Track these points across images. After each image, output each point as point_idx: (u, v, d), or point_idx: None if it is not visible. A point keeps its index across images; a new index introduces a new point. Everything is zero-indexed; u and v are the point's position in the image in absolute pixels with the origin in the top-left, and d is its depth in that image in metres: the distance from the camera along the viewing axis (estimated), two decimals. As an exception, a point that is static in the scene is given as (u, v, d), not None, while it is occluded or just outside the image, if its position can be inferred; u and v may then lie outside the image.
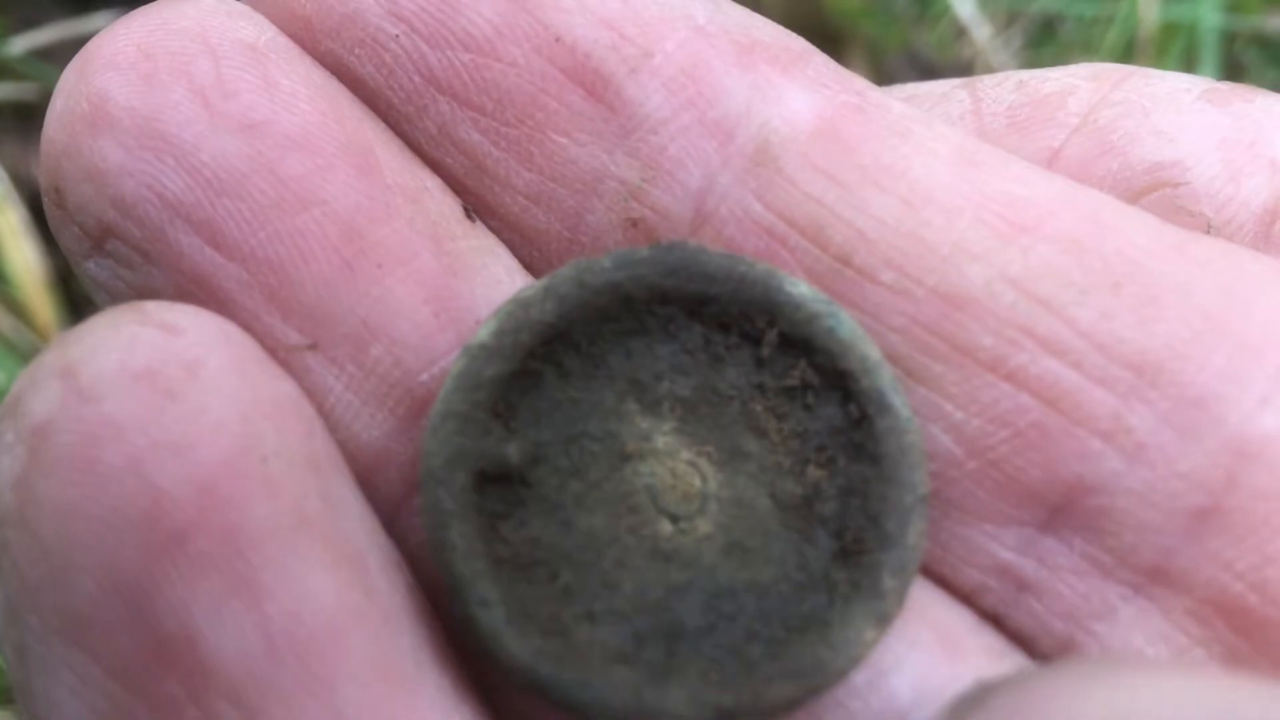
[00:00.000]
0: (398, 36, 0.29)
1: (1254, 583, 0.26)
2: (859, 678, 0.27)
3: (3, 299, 0.74)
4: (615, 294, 0.28)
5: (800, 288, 0.28)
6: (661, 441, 0.28)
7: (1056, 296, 0.27)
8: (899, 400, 0.27)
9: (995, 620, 0.28)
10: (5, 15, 0.82)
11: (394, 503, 0.28)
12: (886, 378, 0.27)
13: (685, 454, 0.28)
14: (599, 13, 0.28)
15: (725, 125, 0.28)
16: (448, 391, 0.27)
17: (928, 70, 0.89)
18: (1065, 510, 0.27)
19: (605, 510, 0.27)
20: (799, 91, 0.29)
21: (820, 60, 0.30)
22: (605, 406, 0.28)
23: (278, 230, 0.27)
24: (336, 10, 0.29)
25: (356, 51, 0.29)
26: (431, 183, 0.29)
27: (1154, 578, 0.27)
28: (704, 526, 0.28)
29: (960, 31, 0.90)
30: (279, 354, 0.27)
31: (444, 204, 0.29)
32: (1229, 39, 0.89)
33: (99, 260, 0.28)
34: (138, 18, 0.28)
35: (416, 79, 0.29)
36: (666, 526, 0.27)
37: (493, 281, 0.29)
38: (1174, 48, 0.86)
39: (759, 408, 0.28)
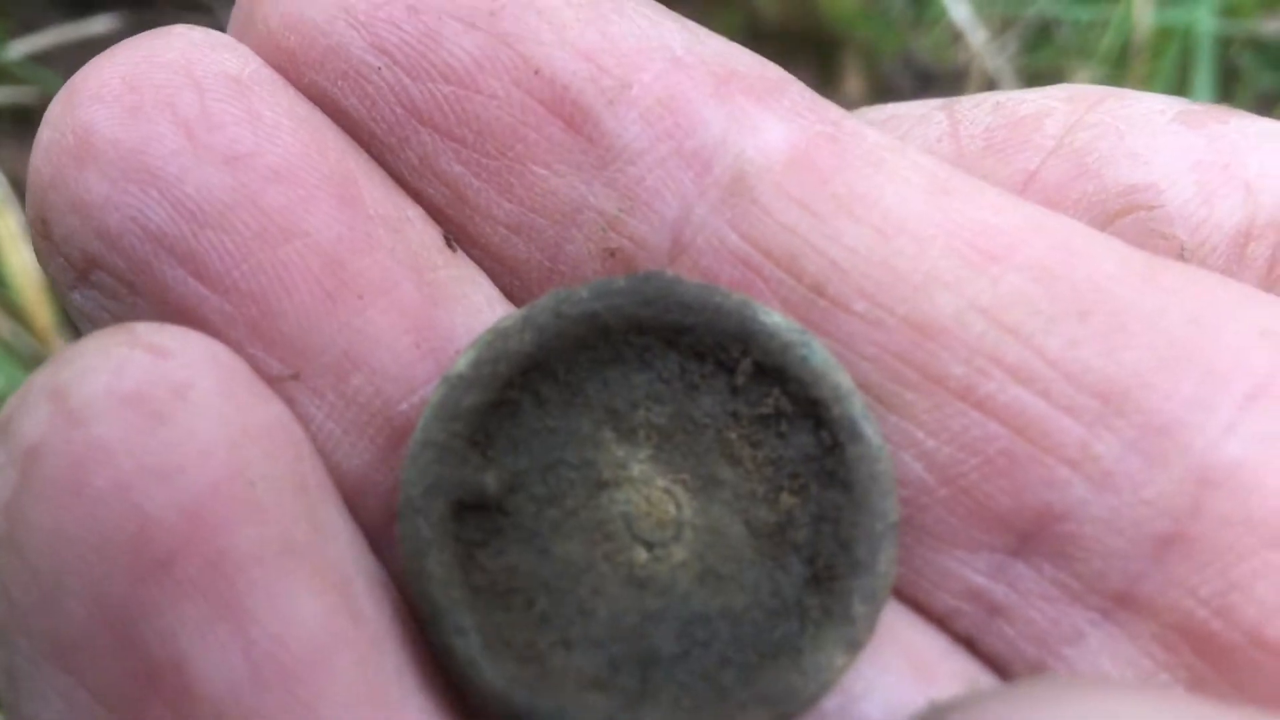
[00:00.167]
0: (380, 69, 0.29)
1: (1218, 608, 0.26)
2: (830, 703, 0.27)
3: (2, 303, 0.75)
4: (593, 324, 0.28)
5: (774, 317, 0.28)
6: (637, 469, 0.28)
7: (1025, 325, 0.27)
8: (870, 428, 0.28)
9: (968, 644, 0.29)
10: (4, 19, 0.83)
11: (374, 531, 0.28)
12: (858, 406, 0.28)
13: (661, 481, 0.28)
14: (577, 45, 0.29)
15: (702, 156, 0.29)
16: (426, 421, 0.27)
17: (924, 75, 0.89)
18: (1035, 536, 0.28)
19: (581, 538, 0.28)
20: (775, 122, 0.29)
21: (797, 90, 0.30)
22: (582, 435, 0.28)
23: (260, 262, 0.27)
24: (320, 43, 0.29)
25: (340, 83, 0.29)
26: (413, 212, 0.29)
27: (1121, 603, 0.27)
28: (679, 553, 0.28)
29: (956, 36, 0.90)
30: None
31: (425, 234, 0.29)
32: (1224, 43, 0.89)
33: (84, 291, 0.28)
34: (123, 50, 0.28)
35: (399, 110, 0.29)
36: (642, 554, 0.28)
37: (473, 310, 0.29)
38: (1169, 52, 0.86)
39: (733, 435, 0.29)
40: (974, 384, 0.27)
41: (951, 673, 0.28)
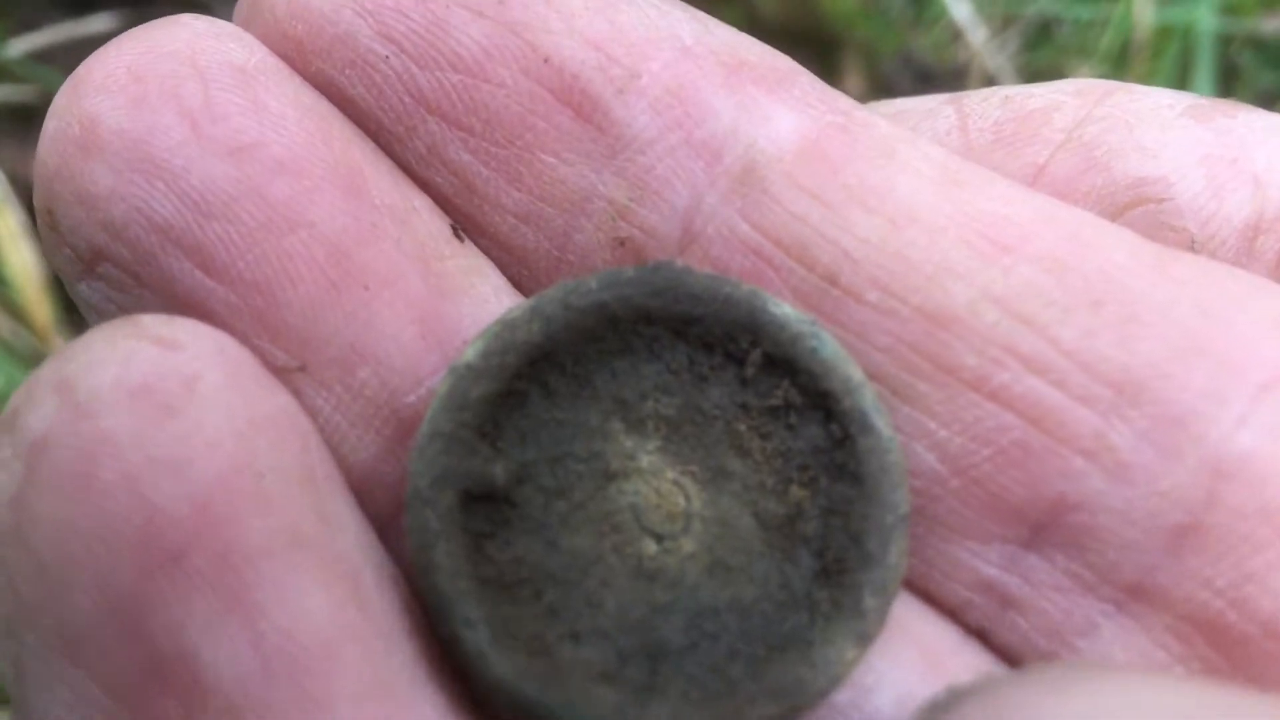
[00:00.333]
0: (388, 57, 0.29)
1: (1232, 600, 0.26)
2: (841, 696, 0.27)
3: (1, 301, 0.75)
4: (601, 315, 0.28)
5: (784, 308, 0.28)
6: (646, 461, 0.28)
7: (1039, 315, 0.27)
8: (881, 420, 0.28)
9: (981, 636, 0.29)
10: (4, 18, 0.82)
11: (382, 523, 0.28)
12: (869, 398, 0.28)
13: (669, 473, 0.28)
14: (587, 34, 0.29)
15: (712, 145, 0.29)
16: (434, 412, 0.27)
17: (924, 73, 0.89)
18: (1048, 527, 0.28)
19: (590, 529, 0.28)
20: (785, 111, 0.29)
21: (806, 80, 0.30)
22: (590, 426, 0.28)
23: (265, 253, 0.27)
24: (327, 31, 0.29)
25: (347, 72, 0.29)
26: (420, 202, 0.29)
27: (1135, 595, 0.27)
28: (688, 546, 0.28)
29: (956, 34, 0.90)
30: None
31: (432, 224, 0.29)
32: (1225, 41, 0.89)
33: (91, 283, 0.28)
34: (128, 40, 0.28)
35: (406, 99, 0.29)
36: (650, 546, 0.28)
37: (480, 301, 0.29)
38: (1170, 50, 0.86)
39: (743, 427, 0.28)
40: (988, 374, 0.27)
41: (964, 665, 0.28)
